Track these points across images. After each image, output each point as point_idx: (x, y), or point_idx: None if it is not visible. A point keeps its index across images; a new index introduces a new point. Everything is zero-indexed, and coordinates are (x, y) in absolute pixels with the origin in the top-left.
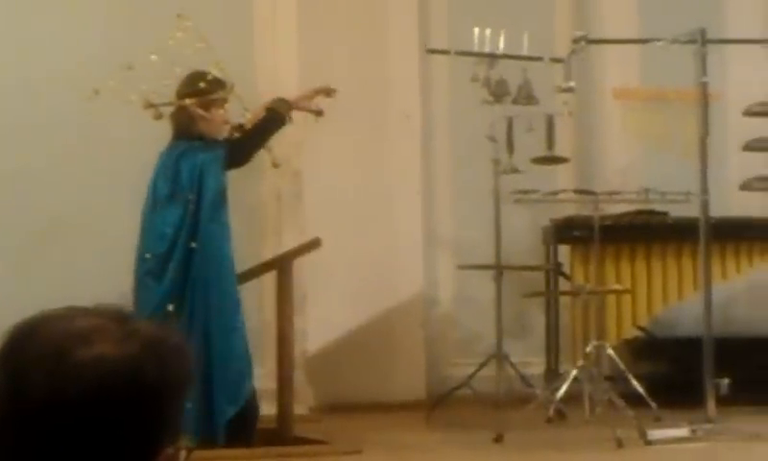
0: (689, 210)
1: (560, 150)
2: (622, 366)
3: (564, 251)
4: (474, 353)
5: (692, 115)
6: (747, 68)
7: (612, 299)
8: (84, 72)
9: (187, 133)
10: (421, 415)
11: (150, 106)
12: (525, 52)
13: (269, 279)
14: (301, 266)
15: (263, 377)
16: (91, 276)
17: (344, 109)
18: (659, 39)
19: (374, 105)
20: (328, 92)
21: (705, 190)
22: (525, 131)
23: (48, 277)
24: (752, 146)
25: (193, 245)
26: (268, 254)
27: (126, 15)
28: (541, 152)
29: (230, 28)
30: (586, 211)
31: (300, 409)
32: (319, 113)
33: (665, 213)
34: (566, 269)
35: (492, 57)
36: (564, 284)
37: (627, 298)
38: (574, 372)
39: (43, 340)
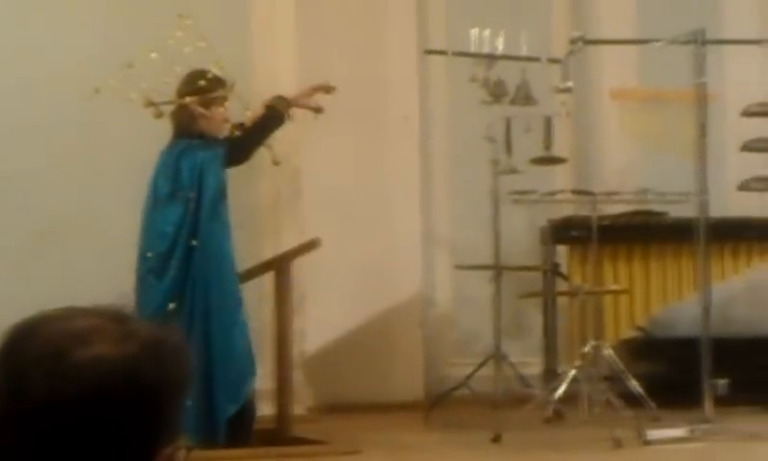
0: (687, 211)
1: (558, 150)
2: (620, 366)
3: (561, 251)
4: (472, 354)
5: (690, 116)
6: (745, 68)
7: (609, 299)
8: (84, 71)
9: (188, 132)
10: (420, 415)
11: (150, 104)
12: (523, 52)
13: (268, 279)
14: (300, 266)
15: (262, 378)
16: (91, 276)
17: (342, 109)
18: (656, 40)
19: (373, 105)
20: (327, 89)
21: (703, 190)
22: (523, 131)
23: (48, 277)
24: (750, 146)
25: (194, 243)
26: (267, 253)
27: (126, 14)
28: (539, 152)
29: (229, 28)
30: (584, 212)
31: (298, 409)
32: (318, 110)
33: (663, 213)
34: (564, 269)
35: (491, 57)
36: (561, 284)
37: (625, 298)
38: (572, 372)
39: (42, 340)
